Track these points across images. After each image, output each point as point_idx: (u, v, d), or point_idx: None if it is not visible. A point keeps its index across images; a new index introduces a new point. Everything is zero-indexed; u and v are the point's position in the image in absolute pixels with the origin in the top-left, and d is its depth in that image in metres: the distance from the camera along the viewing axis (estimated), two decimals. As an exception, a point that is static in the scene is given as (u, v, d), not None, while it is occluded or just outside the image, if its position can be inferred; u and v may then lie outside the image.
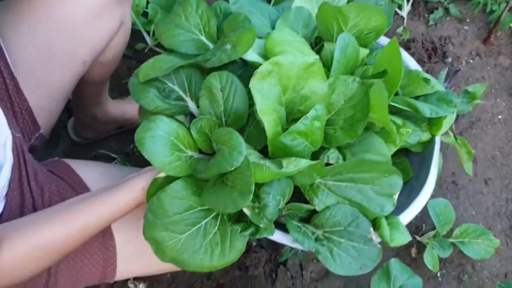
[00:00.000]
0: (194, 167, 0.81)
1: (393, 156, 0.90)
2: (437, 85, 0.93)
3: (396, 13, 1.47)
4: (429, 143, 0.94)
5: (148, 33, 1.53)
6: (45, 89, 0.96)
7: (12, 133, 0.85)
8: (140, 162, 1.28)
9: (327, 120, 0.84)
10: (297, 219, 0.86)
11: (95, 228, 0.81)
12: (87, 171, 0.97)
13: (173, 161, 0.79)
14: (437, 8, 1.50)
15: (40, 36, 0.93)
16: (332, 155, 0.83)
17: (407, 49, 1.42)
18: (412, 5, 1.49)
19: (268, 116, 0.77)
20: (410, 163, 0.97)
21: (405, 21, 1.50)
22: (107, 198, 0.81)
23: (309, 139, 0.77)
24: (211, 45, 0.97)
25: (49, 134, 1.05)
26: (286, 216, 0.85)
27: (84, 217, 0.79)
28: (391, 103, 0.87)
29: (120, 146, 1.42)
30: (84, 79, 1.05)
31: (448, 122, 0.92)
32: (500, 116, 1.32)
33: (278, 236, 0.83)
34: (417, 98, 0.91)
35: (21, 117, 0.95)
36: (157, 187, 0.81)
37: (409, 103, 0.88)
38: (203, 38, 0.97)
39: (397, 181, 0.82)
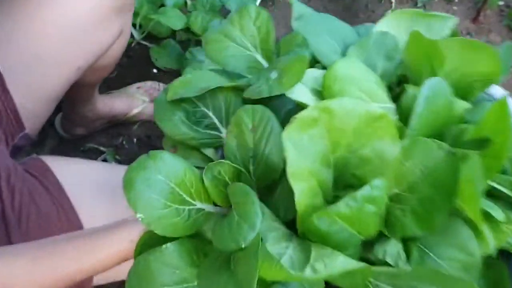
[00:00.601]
0: (200, 225, 0.61)
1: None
2: None
3: None
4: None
5: (134, 26, 1.44)
6: (34, 91, 0.92)
7: None
8: (129, 155, 1.37)
9: (394, 196, 0.60)
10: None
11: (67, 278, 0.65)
12: (67, 170, 0.88)
13: (167, 217, 0.58)
14: (425, -10, 1.48)
15: (35, 39, 0.89)
16: (391, 250, 0.58)
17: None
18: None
19: (302, 182, 0.54)
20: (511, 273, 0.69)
21: (393, 4, 1.51)
22: (88, 247, 0.65)
23: (356, 226, 0.54)
24: (266, 66, 0.76)
25: (36, 135, 1.00)
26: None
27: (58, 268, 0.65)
28: (492, 183, 0.61)
29: (109, 140, 1.41)
30: (76, 82, 0.99)
31: None
32: None
33: None
34: None
35: (4, 115, 0.88)
36: (149, 242, 0.62)
37: None
38: (258, 56, 0.77)
39: None
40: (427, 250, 0.61)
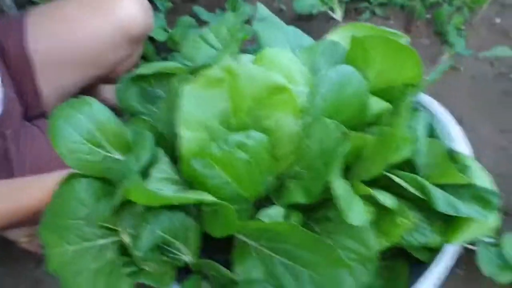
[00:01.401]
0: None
1: (387, 255, 0.64)
2: (481, 178, 0.64)
3: (331, 17, 1.75)
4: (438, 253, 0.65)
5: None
6: (58, 85, 1.06)
7: (5, 91, 0.87)
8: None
9: (295, 173, 0.63)
10: (219, 285, 0.63)
11: None
12: None
13: (82, 153, 0.65)
14: (365, 11, 1.81)
15: (69, 47, 1.05)
16: (273, 213, 0.59)
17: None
18: (344, 11, 1.80)
19: (192, 132, 0.59)
20: (411, 274, 0.66)
21: (340, 23, 1.74)
22: (14, 192, 0.73)
23: (229, 172, 0.56)
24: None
25: None
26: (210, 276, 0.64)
27: None
28: (391, 175, 0.62)
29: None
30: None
31: (475, 229, 0.62)
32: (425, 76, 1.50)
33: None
34: (443, 187, 0.63)
35: (30, 96, 1.02)
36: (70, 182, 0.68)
37: (420, 185, 0.61)
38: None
39: (345, 279, 0.55)
40: (326, 239, 0.62)
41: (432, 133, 0.72)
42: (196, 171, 0.56)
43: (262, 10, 0.80)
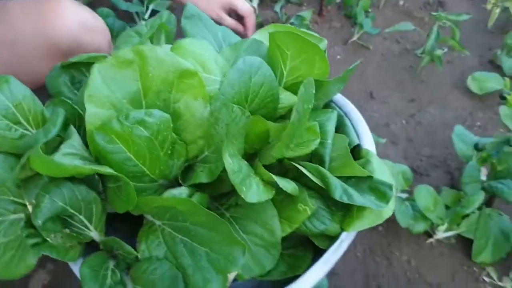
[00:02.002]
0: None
1: (293, 243, 0.70)
2: (382, 171, 0.69)
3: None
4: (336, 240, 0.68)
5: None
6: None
7: None
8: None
9: (204, 158, 0.66)
10: (125, 263, 0.66)
11: None
12: None
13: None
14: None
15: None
16: (176, 193, 0.62)
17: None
18: (260, -1, 1.91)
19: (98, 108, 0.60)
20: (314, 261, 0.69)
21: (257, 10, 1.84)
22: None
23: (130, 148, 0.59)
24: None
25: None
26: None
27: None
28: (296, 164, 0.66)
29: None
30: None
31: (371, 219, 0.66)
32: (338, 57, 1.73)
33: (75, 268, 0.64)
34: (347, 179, 0.68)
35: None
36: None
37: (322, 174, 0.65)
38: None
39: (238, 257, 0.58)
40: (234, 222, 0.66)
41: (342, 130, 0.78)
42: (99, 146, 0.58)
43: (191, 8, 0.81)
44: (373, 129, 1.42)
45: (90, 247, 0.65)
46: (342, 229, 0.67)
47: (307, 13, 1.70)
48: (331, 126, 0.72)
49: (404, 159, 1.35)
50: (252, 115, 0.64)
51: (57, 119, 0.61)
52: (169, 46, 0.72)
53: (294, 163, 0.67)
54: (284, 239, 0.65)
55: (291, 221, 0.65)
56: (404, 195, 1.13)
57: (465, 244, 1.13)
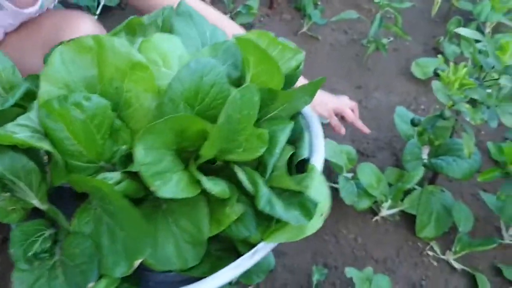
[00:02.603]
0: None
1: (223, 243, 0.72)
2: (319, 189, 0.69)
3: None
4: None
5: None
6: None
7: None
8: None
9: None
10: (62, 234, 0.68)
11: None
12: None
13: None
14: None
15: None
16: (110, 176, 0.64)
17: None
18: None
19: (52, 86, 0.63)
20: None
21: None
22: None
23: (69, 128, 0.61)
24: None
25: None
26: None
27: None
28: (234, 166, 0.69)
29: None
30: None
31: (291, 234, 0.67)
32: None
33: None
34: (283, 191, 0.70)
35: None
36: None
37: (255, 182, 0.66)
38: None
39: (145, 247, 0.61)
40: (168, 216, 0.68)
41: (298, 142, 0.78)
42: (43, 122, 0.61)
43: (183, 5, 0.82)
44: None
45: (38, 215, 0.68)
46: (261, 239, 0.68)
47: (254, 2, 1.74)
48: (283, 137, 0.73)
49: (351, 142, 1.41)
50: (201, 114, 0.66)
51: (17, 91, 0.64)
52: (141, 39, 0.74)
53: (233, 166, 0.69)
54: (216, 239, 0.67)
55: (219, 223, 0.67)
56: (350, 175, 1.19)
57: (409, 220, 1.21)
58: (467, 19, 1.77)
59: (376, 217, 1.21)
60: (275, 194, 0.67)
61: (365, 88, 1.63)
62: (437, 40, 1.80)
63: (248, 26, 1.81)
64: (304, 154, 0.76)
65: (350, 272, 0.98)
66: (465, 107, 0.96)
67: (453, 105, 0.99)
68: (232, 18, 1.75)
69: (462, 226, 1.15)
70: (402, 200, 1.19)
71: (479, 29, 1.65)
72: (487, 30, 1.74)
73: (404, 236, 1.18)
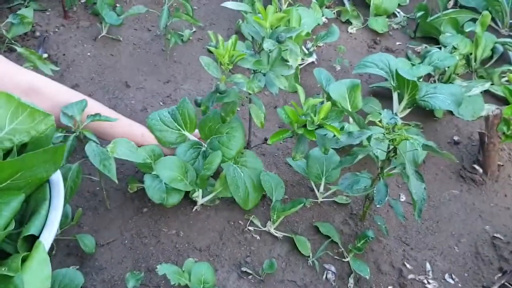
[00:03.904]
0: None
1: None
2: (34, 268, 0.63)
3: None
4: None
5: None
6: None
7: None
8: None
9: None
10: None
11: None
12: None
13: None
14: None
15: None
16: None
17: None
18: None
19: None
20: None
21: None
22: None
23: None
24: None
25: None
26: None
27: None
28: None
29: None
30: None
31: None
32: (89, 53, 1.69)
33: None
34: None
35: None
36: None
37: None
38: None
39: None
40: None
41: (34, 215, 0.73)
42: None
43: None
44: (131, 116, 1.42)
45: None
46: None
47: (27, 11, 1.66)
48: (7, 212, 0.67)
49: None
50: None
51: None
52: None
53: None
54: None
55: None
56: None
57: (227, 202, 1.20)
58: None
59: (196, 207, 1.18)
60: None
61: (173, 81, 1.60)
62: (238, 24, 1.83)
63: (40, 38, 1.69)
64: (31, 230, 0.70)
65: (161, 269, 0.94)
66: (238, 78, 0.96)
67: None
68: (5, 30, 1.64)
69: (274, 195, 1.16)
70: (212, 185, 1.18)
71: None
72: (284, 6, 1.81)
73: (225, 219, 1.17)
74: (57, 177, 0.80)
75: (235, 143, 1.15)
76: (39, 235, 0.71)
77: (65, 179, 0.93)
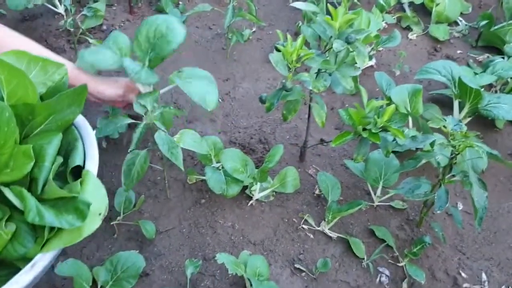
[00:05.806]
0: None
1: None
2: (94, 191, 0.70)
3: (56, 12, 1.69)
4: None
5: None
6: None
7: None
8: None
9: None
10: None
11: None
12: None
13: None
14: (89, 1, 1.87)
15: None
16: None
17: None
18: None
19: None
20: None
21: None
22: None
23: None
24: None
25: None
26: None
27: None
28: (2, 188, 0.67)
29: None
30: None
31: (67, 239, 0.66)
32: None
33: None
34: (58, 200, 0.69)
35: None
36: None
37: (23, 196, 0.64)
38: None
39: None
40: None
41: (72, 153, 0.78)
42: None
43: None
44: (190, 111, 1.46)
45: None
46: (40, 250, 0.67)
47: (99, 4, 1.70)
48: (51, 149, 0.72)
49: (223, 134, 1.40)
50: None
51: None
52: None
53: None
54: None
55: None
56: (218, 164, 1.18)
57: (282, 198, 1.21)
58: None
59: (251, 201, 1.20)
60: (49, 205, 0.67)
61: (232, 79, 1.63)
62: (297, 25, 1.84)
63: (107, 32, 1.76)
64: (76, 162, 0.77)
65: (220, 258, 0.96)
66: (305, 76, 0.98)
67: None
68: (78, 22, 1.71)
69: (330, 195, 1.17)
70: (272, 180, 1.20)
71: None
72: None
73: (279, 215, 1.19)
74: (82, 119, 0.86)
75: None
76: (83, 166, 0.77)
77: (133, 164, 0.97)
